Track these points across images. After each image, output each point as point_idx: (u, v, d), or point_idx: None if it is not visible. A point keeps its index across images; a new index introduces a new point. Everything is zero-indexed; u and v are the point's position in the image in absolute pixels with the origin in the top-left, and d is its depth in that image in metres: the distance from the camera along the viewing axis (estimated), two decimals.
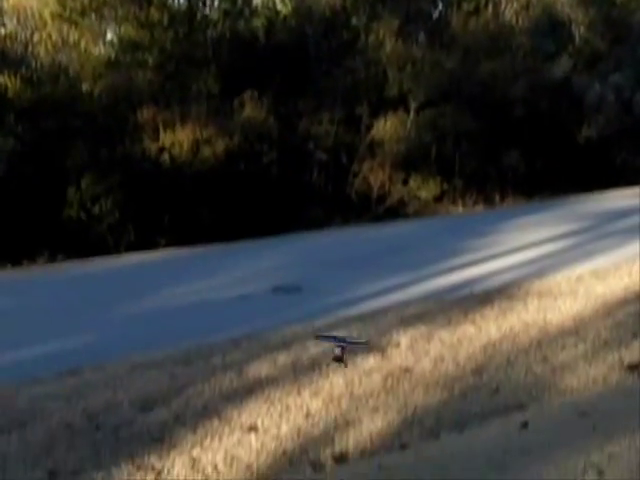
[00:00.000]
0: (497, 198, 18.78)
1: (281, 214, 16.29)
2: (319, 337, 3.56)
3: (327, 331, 7.45)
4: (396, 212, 18.00)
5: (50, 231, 14.93)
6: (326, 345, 7.05)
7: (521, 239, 11.69)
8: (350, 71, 18.42)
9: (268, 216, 15.98)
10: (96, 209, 15.55)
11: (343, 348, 3.58)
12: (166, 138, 16.36)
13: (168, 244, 15.28)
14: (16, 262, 14.00)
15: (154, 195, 15.95)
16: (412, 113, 18.44)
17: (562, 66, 19.62)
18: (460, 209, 18.11)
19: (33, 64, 16.37)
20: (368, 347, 3.55)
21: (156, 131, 16.46)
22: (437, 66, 18.71)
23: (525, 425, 5.13)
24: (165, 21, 16.85)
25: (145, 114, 16.41)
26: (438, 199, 18.60)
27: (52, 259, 14.36)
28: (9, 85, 15.63)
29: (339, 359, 3.54)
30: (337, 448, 5.53)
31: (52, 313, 9.09)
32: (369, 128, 18.22)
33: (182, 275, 11.07)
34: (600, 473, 3.89)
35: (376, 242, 13.04)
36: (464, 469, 4.28)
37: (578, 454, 4.17)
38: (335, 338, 3.64)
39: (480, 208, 18.02)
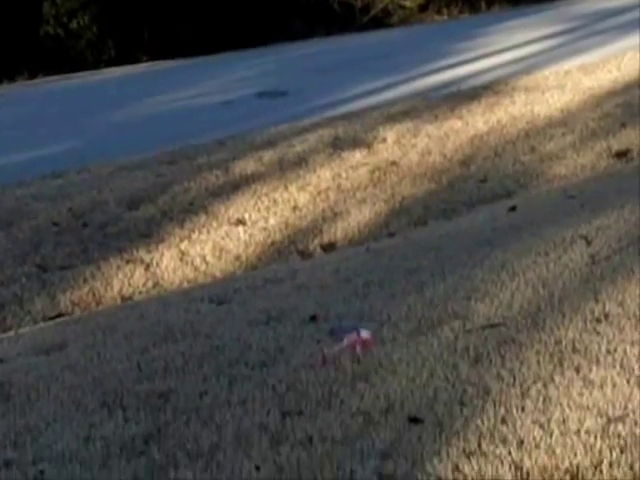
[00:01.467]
0: (483, 5, 18.35)
1: (263, 26, 15.91)
2: (332, 332, 3.21)
3: (312, 130, 7.40)
4: (380, 22, 17.61)
5: (28, 49, 14.59)
6: (312, 142, 7.01)
7: (508, 40, 11.45)
8: None
9: (250, 28, 15.61)
10: (74, 24, 15.15)
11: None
12: None
13: (149, 59, 14.99)
14: None
15: (132, 9, 15.53)
16: None
17: None
18: (445, 17, 17.74)
19: None
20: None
21: None
22: None
23: (513, 209, 5.12)
24: None
25: None
26: (423, 8, 18.16)
27: (32, 77, 14.11)
28: None
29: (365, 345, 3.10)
30: (325, 238, 5.55)
31: (34, 123, 8.95)
32: None
33: (165, 85, 10.88)
34: (588, 243, 3.89)
35: (361, 49, 12.79)
36: (452, 247, 4.28)
37: (566, 228, 4.16)
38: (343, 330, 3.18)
39: (466, 16, 17.64)
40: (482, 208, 5.62)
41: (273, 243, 5.41)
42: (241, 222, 5.65)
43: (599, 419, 2.50)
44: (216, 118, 8.40)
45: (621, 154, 6.40)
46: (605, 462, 2.32)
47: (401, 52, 11.59)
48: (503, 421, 2.54)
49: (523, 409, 2.59)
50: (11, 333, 4.18)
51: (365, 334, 3.08)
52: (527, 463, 2.34)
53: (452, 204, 5.80)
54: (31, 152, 7.53)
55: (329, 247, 5.33)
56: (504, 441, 2.44)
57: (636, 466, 2.29)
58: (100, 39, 15.37)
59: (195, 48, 14.75)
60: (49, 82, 12.94)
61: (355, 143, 6.87)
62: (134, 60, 15.10)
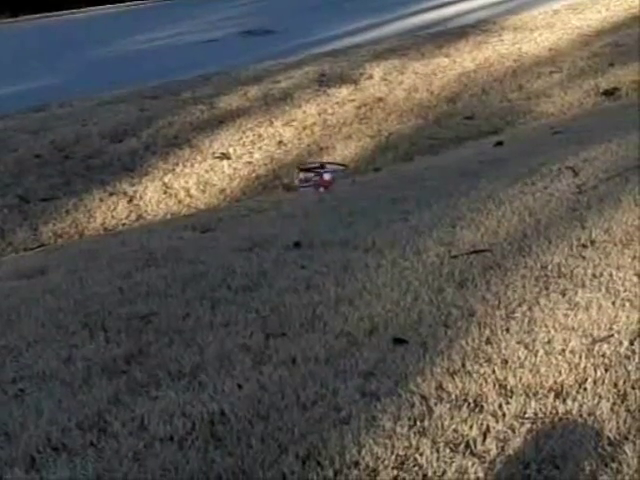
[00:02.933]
0: None
1: None
2: (302, 169, 3.35)
3: (297, 67, 7.32)
4: None
5: None
6: (298, 78, 6.94)
7: None
8: None
9: None
10: None
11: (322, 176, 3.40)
12: None
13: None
14: None
15: None
16: None
17: None
18: None
19: None
20: (346, 170, 3.43)
21: None
22: None
23: (500, 143, 5.09)
24: None
25: None
26: None
27: (14, 15, 13.94)
28: None
29: (325, 186, 3.35)
30: None
31: (15, 60, 8.83)
32: None
33: (148, 24, 10.73)
34: (575, 174, 3.86)
35: None
36: (438, 179, 4.24)
37: (553, 160, 4.13)
38: (316, 169, 3.41)
39: None
40: (469, 144, 5.58)
41: (258, 177, 5.37)
42: (225, 156, 5.59)
43: (584, 339, 2.48)
44: (201, 55, 8.30)
45: (609, 92, 6.35)
46: (589, 380, 2.30)
47: None
48: (488, 342, 2.52)
49: (508, 330, 2.57)
50: None
51: (327, 177, 3.34)
52: (511, 381, 2.32)
53: (438, 140, 5.76)
54: (12, 87, 7.42)
55: None
56: (488, 360, 2.42)
57: (620, 384, 2.27)
58: None
59: None
60: (31, 20, 12.77)
61: (341, 79, 6.80)
62: (117, 0, 14.91)
